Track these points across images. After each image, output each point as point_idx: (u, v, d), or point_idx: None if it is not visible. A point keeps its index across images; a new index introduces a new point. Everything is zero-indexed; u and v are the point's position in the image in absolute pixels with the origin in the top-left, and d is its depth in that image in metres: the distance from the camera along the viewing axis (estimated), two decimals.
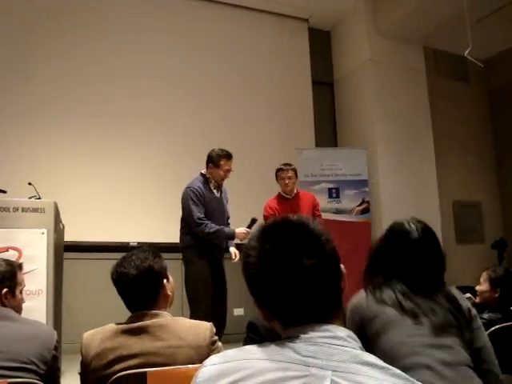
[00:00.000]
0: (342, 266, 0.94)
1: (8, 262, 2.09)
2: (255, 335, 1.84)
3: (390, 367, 0.82)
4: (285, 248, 0.89)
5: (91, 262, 5.44)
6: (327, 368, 0.79)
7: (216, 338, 1.75)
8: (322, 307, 0.90)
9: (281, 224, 0.95)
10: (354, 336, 0.87)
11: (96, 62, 6.08)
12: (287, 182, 4.81)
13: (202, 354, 1.64)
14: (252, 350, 0.88)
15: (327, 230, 0.94)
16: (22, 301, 2.12)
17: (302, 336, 0.86)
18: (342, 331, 0.86)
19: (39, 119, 5.70)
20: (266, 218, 4.68)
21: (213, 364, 0.88)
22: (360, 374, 0.78)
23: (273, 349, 0.86)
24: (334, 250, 0.93)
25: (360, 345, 0.86)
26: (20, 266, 2.18)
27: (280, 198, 4.90)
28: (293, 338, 0.87)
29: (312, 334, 0.85)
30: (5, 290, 1.98)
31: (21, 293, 2.11)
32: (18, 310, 2.06)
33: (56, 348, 1.85)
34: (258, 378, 0.80)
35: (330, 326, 0.87)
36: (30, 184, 4.08)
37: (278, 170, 4.90)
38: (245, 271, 0.95)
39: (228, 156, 4.37)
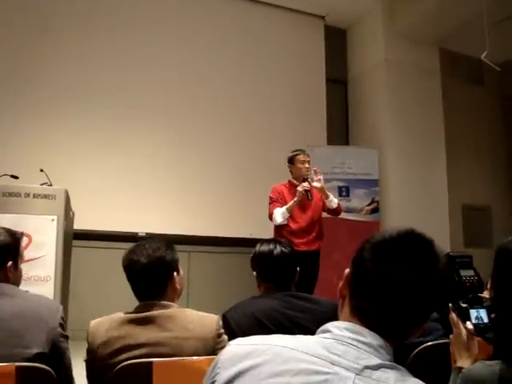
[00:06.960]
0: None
1: (11, 232, 1.93)
2: (226, 328, 1.85)
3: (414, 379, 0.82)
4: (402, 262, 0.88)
5: (99, 251, 5.48)
6: (352, 370, 0.79)
7: (222, 331, 1.75)
8: (399, 323, 0.89)
9: (407, 237, 0.93)
10: (388, 349, 0.85)
11: (111, 52, 6.09)
12: (308, 165, 4.60)
13: (208, 346, 1.65)
14: (279, 339, 0.88)
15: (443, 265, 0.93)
16: (21, 272, 2.00)
17: (335, 332, 0.86)
18: (376, 340, 0.85)
19: (54, 107, 5.72)
20: (271, 199, 4.54)
21: (238, 344, 0.89)
22: (382, 381, 0.79)
23: (301, 341, 0.86)
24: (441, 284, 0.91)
25: (390, 357, 0.85)
26: (22, 235, 2.06)
27: (291, 185, 4.64)
28: (326, 331, 0.87)
29: (345, 333, 0.85)
30: (10, 262, 1.86)
31: (21, 263, 1.98)
32: (19, 282, 1.96)
33: (62, 325, 1.78)
34: (280, 366, 0.81)
35: (367, 333, 0.85)
36: (41, 171, 4.11)
37: (298, 154, 4.64)
38: (357, 259, 0.95)
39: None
